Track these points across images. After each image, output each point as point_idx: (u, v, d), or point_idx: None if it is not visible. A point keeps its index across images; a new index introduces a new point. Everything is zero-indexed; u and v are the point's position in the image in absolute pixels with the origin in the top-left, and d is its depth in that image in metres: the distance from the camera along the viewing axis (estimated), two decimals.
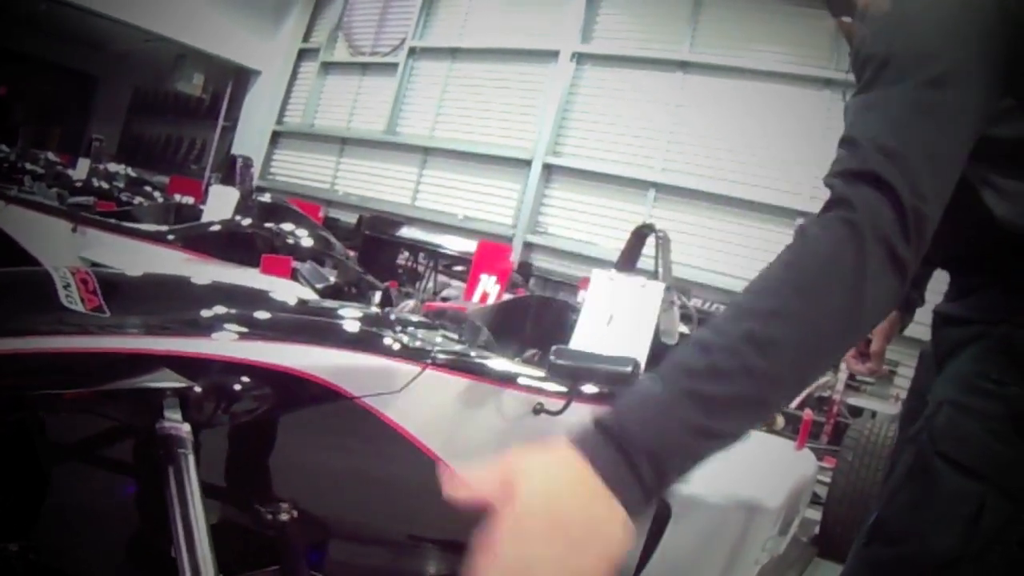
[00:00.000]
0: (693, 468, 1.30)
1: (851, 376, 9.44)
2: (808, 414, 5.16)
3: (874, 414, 9.31)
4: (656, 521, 3.12)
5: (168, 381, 2.20)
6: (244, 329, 2.55)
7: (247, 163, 8.44)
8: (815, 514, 5.98)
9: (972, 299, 2.05)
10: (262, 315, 2.76)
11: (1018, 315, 1.93)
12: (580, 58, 16.31)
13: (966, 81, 1.63)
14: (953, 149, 1.61)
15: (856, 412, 9.75)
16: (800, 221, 1.51)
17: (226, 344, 2.45)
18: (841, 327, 1.43)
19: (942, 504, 1.95)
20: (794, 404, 8.71)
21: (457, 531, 3.11)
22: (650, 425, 1.24)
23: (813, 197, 11.91)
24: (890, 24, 1.71)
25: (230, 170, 8.50)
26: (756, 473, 3.53)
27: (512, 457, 1.18)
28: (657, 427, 1.24)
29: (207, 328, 2.49)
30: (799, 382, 1.41)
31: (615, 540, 1.16)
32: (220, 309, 2.63)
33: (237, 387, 2.40)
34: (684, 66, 14.74)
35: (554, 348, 3.03)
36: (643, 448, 1.21)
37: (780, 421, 7.00)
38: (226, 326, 2.53)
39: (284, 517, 2.54)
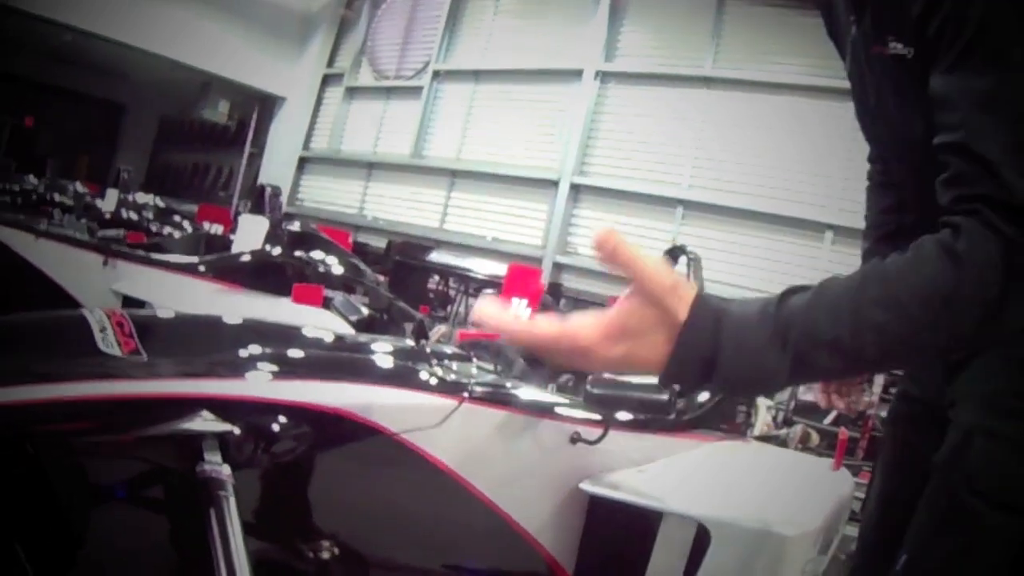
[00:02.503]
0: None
1: (885, 390, 9.39)
2: (844, 433, 5.13)
3: None
4: (696, 546, 3.11)
5: (207, 424, 2.21)
6: (279, 368, 2.55)
7: (275, 192, 8.46)
8: (853, 530, 5.94)
9: None
10: (298, 353, 2.76)
11: None
12: (604, 76, 16.28)
13: None
14: None
15: None
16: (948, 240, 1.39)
17: (262, 384, 2.45)
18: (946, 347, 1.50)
19: (986, 548, 1.87)
20: (828, 420, 8.69)
21: (499, 563, 3.13)
22: (746, 360, 1.37)
23: (842, 210, 11.87)
24: None
25: (259, 199, 8.51)
26: (795, 495, 3.52)
27: (677, 290, 1.37)
28: (753, 365, 1.38)
29: (242, 369, 2.49)
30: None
31: (646, 369, 1.38)
32: (255, 349, 2.63)
33: (276, 427, 2.40)
34: (708, 82, 14.69)
35: (590, 377, 3.03)
36: (728, 374, 1.37)
37: (815, 438, 6.98)
38: (260, 366, 2.54)
39: (326, 555, 2.55)
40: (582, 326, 1.36)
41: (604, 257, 1.35)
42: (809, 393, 9.53)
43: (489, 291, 12.39)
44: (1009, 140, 1.44)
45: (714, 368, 1.35)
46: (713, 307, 1.37)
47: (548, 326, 1.36)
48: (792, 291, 1.40)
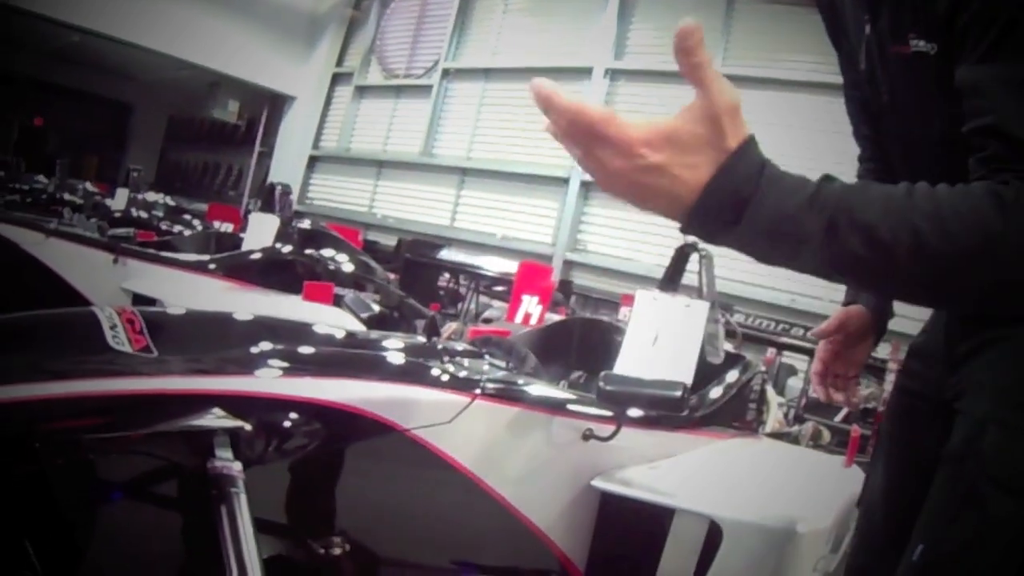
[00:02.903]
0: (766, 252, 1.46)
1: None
2: (856, 430, 5.11)
3: None
4: (708, 543, 3.10)
5: (218, 420, 2.20)
6: (289, 365, 2.55)
7: (286, 190, 8.49)
8: None
9: None
10: (308, 350, 2.76)
11: None
12: (614, 74, 16.32)
13: None
14: None
15: None
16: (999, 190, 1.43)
17: (273, 381, 2.45)
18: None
19: (1002, 535, 1.87)
20: (839, 417, 8.68)
21: (511, 560, 3.12)
22: (781, 211, 1.37)
23: None
24: None
25: (269, 197, 8.53)
26: (806, 493, 3.51)
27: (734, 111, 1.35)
28: (785, 218, 1.38)
29: (253, 366, 2.48)
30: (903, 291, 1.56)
31: (675, 195, 1.35)
32: (266, 346, 2.62)
33: (287, 424, 2.40)
34: None
35: (603, 374, 3.02)
36: (759, 220, 1.37)
37: (826, 435, 6.96)
38: (271, 362, 2.54)
39: (337, 551, 2.54)
40: (631, 122, 1.32)
41: (681, 50, 1.32)
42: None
43: (499, 287, 12.41)
44: None
45: (745, 210, 1.35)
46: (761, 153, 1.37)
47: (600, 108, 1.34)
48: (834, 177, 1.41)
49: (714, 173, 1.32)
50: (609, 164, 1.35)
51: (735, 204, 1.34)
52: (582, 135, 1.35)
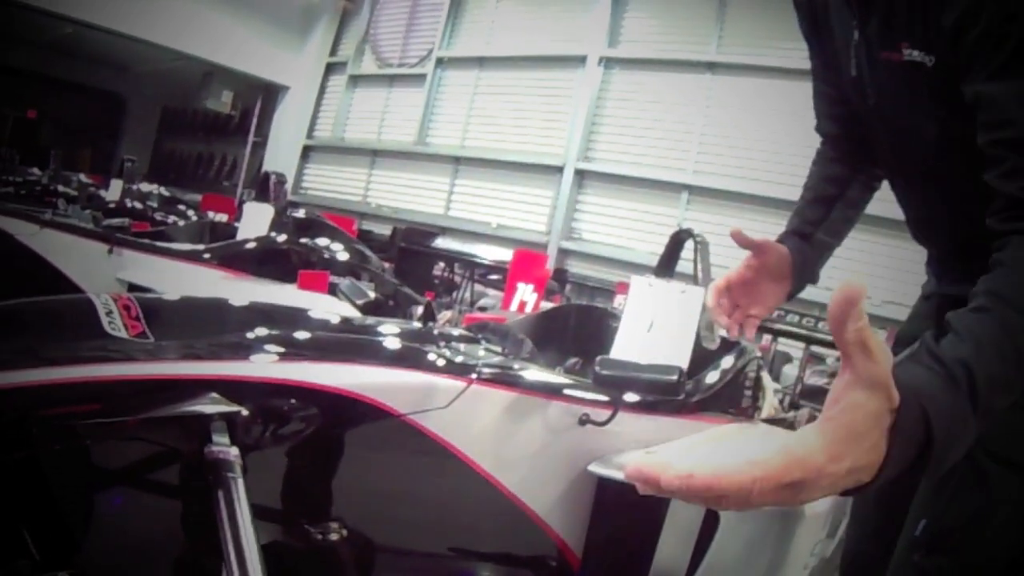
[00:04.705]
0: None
1: None
2: None
3: None
4: (705, 528, 3.10)
5: (215, 405, 2.20)
6: (285, 350, 2.55)
7: (280, 179, 8.44)
8: None
9: None
10: (304, 335, 2.76)
11: None
12: (608, 62, 16.32)
13: None
14: None
15: None
16: None
17: (269, 366, 2.45)
18: None
19: (1004, 508, 1.92)
20: None
21: (508, 546, 3.11)
22: (957, 431, 1.28)
23: None
24: None
25: (263, 186, 8.51)
26: None
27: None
28: (963, 436, 1.30)
29: (249, 351, 2.48)
30: None
31: (861, 476, 1.16)
32: (262, 331, 2.63)
33: (284, 408, 2.39)
34: (712, 67, 14.72)
35: (599, 359, 3.02)
36: (944, 452, 1.26)
37: None
38: (267, 347, 2.54)
39: (334, 537, 2.54)
40: (804, 447, 1.11)
41: (838, 318, 1.10)
42: (814, 377, 9.59)
43: (494, 276, 12.37)
44: None
45: (928, 451, 1.22)
46: (903, 384, 1.17)
47: (765, 466, 1.08)
48: (935, 336, 1.37)
49: (892, 443, 1.17)
50: (807, 497, 1.13)
51: (916, 453, 1.22)
52: (765, 499, 1.10)
